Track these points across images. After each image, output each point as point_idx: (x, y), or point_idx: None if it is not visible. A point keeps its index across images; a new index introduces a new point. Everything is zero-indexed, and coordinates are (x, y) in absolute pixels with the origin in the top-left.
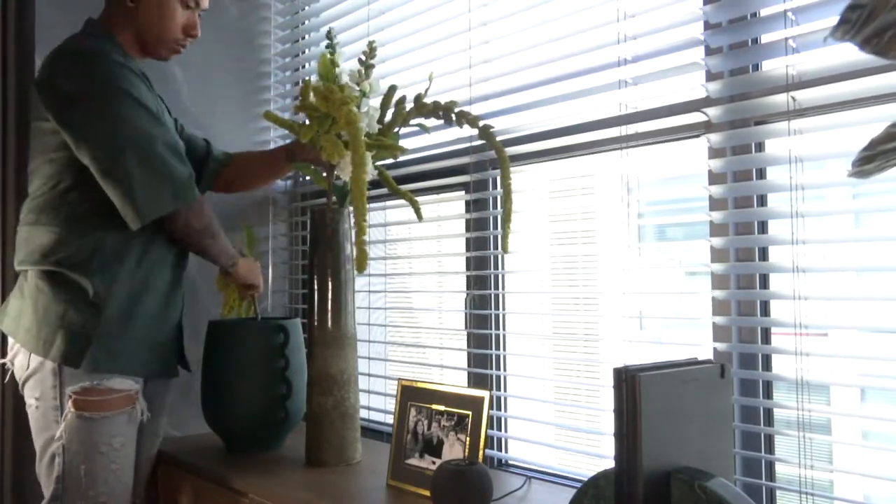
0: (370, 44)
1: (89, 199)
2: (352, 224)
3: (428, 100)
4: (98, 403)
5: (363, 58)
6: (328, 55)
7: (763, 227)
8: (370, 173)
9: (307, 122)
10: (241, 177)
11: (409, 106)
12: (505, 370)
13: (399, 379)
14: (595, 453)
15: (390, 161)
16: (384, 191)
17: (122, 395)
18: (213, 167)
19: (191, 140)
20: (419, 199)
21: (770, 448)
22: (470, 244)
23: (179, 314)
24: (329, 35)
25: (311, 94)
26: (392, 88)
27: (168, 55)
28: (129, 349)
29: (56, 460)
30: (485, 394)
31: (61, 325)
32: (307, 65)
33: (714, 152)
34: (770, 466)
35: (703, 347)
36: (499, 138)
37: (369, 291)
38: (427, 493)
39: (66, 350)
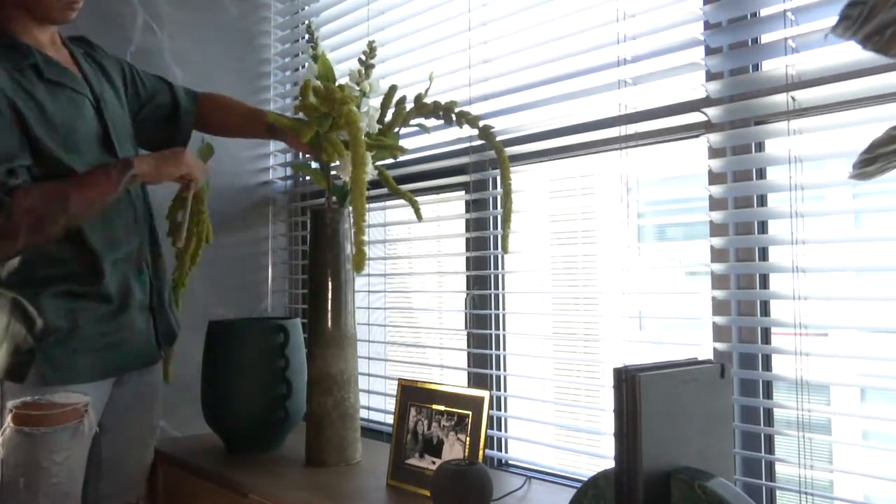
0: (370, 43)
1: None
2: (351, 224)
3: (428, 100)
4: (38, 418)
5: (363, 57)
6: (313, 50)
7: (763, 227)
8: (370, 173)
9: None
10: (219, 121)
11: (409, 106)
12: (505, 370)
13: (399, 379)
14: (595, 453)
15: (390, 161)
16: (384, 191)
17: (68, 409)
18: (185, 120)
19: (154, 96)
20: (419, 199)
21: (770, 448)
22: (470, 244)
23: (146, 303)
24: (309, 29)
25: (311, 94)
26: (392, 88)
27: (64, 15)
28: (78, 357)
29: None
30: (485, 394)
31: (4, 340)
32: (307, 65)
33: (714, 152)
34: (770, 466)
35: (703, 347)
36: (499, 138)
37: (369, 291)
38: (427, 493)
39: (9, 364)
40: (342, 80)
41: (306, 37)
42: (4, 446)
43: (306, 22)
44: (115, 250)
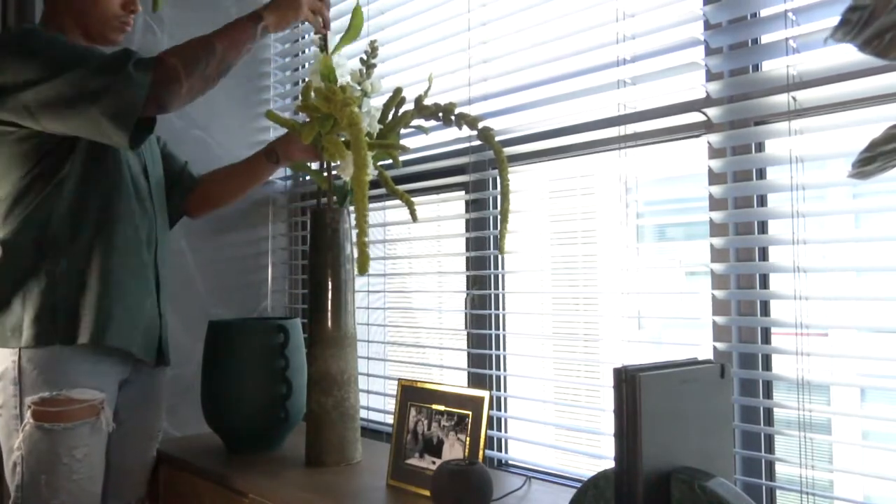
0: (372, 43)
1: (32, 181)
2: (352, 224)
3: (427, 100)
4: (58, 414)
5: (364, 57)
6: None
7: (763, 228)
8: (370, 173)
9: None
10: (221, 190)
11: (408, 107)
12: (505, 370)
13: (399, 379)
14: (595, 453)
15: (391, 161)
16: (384, 190)
17: (85, 405)
18: (185, 183)
19: (168, 157)
20: (419, 199)
21: (770, 448)
22: (469, 244)
23: (153, 296)
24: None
25: (313, 95)
26: (398, 91)
27: (116, 35)
28: (106, 320)
29: (17, 469)
30: (485, 394)
31: (26, 310)
32: (307, 65)
33: (714, 152)
34: (770, 466)
35: (703, 347)
36: (498, 138)
37: (369, 291)
38: (427, 493)
39: (35, 333)
40: (343, 80)
41: (306, 37)
42: (25, 443)
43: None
44: (127, 239)
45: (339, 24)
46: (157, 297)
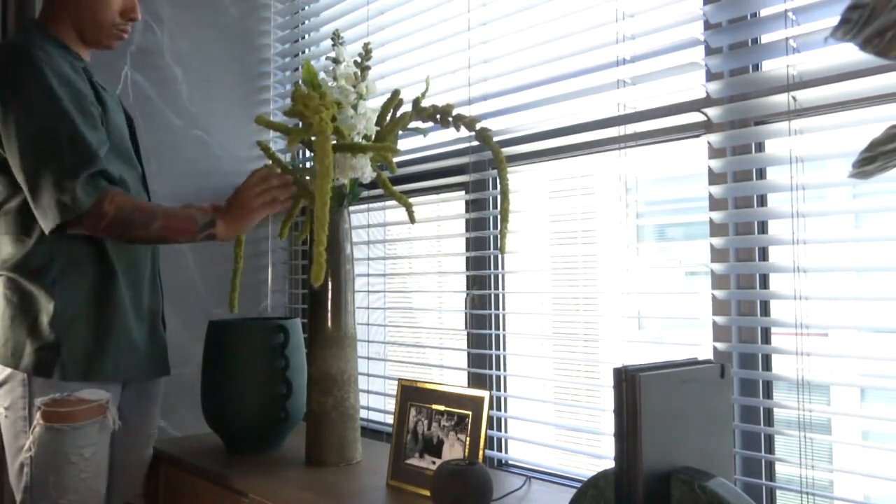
0: (365, 45)
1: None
2: (350, 225)
3: (426, 101)
4: (68, 414)
5: (359, 59)
6: (331, 58)
7: (763, 228)
8: (368, 175)
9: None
10: None
11: (406, 108)
12: (505, 370)
13: (399, 379)
14: (595, 453)
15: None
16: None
17: (93, 405)
18: None
19: None
20: (419, 199)
21: (770, 448)
22: (469, 244)
23: (158, 310)
24: (335, 35)
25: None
26: (395, 93)
27: (111, 41)
28: (101, 355)
29: (24, 470)
30: (485, 394)
31: (29, 336)
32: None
33: (714, 152)
34: (770, 466)
35: (703, 347)
36: (498, 138)
37: (369, 291)
38: (427, 493)
39: (35, 361)
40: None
41: (306, 37)
42: (35, 444)
43: (336, 30)
44: (132, 254)
45: (343, 23)
46: (160, 302)
